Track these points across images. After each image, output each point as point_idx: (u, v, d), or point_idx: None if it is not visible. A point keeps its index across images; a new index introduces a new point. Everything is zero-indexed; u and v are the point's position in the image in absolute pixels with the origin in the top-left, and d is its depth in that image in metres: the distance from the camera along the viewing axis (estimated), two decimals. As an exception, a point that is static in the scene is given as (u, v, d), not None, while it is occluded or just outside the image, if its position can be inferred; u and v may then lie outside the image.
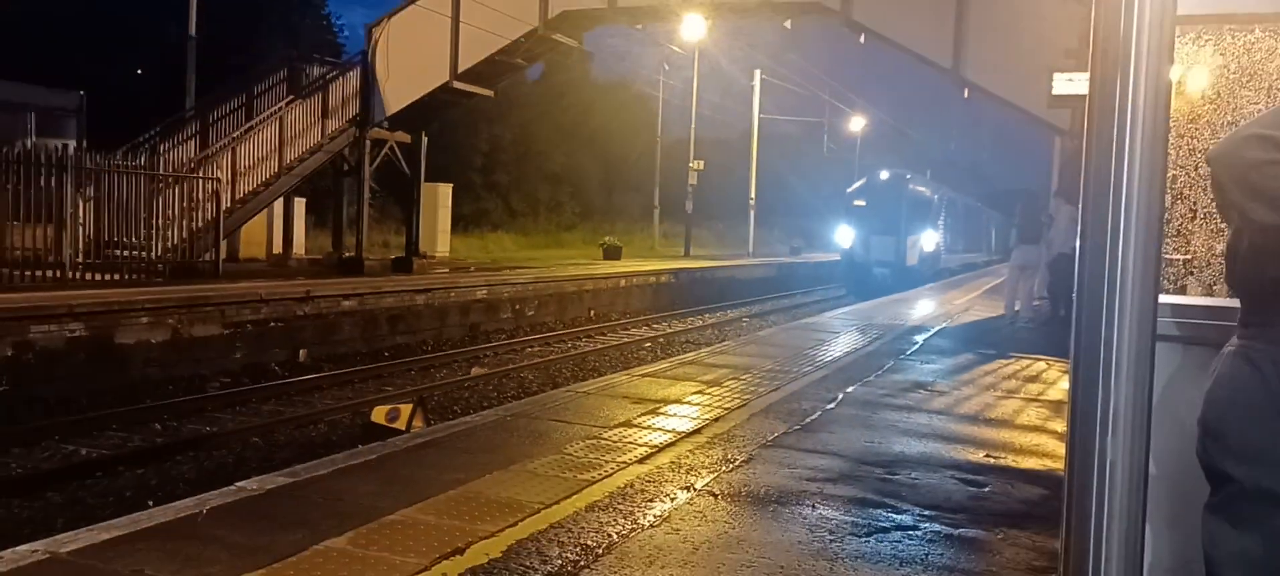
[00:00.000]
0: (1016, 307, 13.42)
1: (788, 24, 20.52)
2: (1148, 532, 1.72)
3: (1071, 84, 11.48)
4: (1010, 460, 5.48)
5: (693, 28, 23.76)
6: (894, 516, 4.31)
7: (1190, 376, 2.20)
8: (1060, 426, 6.41)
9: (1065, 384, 7.57)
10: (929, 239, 29.43)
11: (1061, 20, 13.70)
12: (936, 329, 12.70)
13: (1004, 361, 9.71)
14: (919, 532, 4.11)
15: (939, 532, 4.13)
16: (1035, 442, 5.97)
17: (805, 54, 43.97)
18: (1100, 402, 1.50)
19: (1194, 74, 2.95)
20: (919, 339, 11.41)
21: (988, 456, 5.54)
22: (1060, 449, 5.68)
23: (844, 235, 29.98)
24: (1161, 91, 1.51)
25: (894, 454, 5.52)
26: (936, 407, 7.05)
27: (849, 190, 31.93)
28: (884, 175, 30.86)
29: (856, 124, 49.67)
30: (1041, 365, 9.51)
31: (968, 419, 6.68)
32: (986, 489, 4.85)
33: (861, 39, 16.76)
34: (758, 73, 41.52)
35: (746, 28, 33.56)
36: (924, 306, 16.43)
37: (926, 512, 4.38)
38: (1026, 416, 6.83)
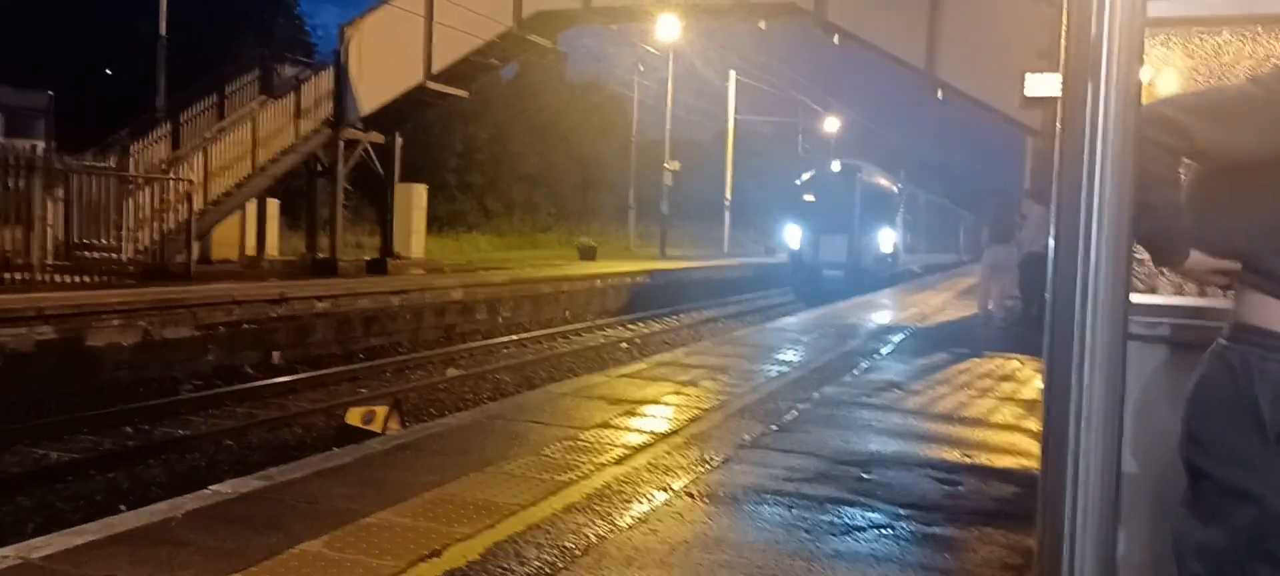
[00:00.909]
0: (990, 307, 13.52)
1: (762, 25, 20.61)
2: (1122, 529, 1.74)
3: (1043, 84, 11.57)
4: (985, 459, 5.53)
5: (667, 28, 23.81)
6: (870, 515, 4.34)
7: (1162, 375, 2.23)
8: (1034, 425, 6.47)
9: (1039, 382, 7.67)
10: (886, 238, 26.57)
11: (1034, 21, 13.81)
12: (911, 329, 12.79)
13: (978, 360, 9.79)
14: (895, 531, 4.14)
15: (915, 531, 4.16)
16: (1010, 441, 6.02)
17: (780, 55, 44.11)
18: (1074, 400, 1.52)
19: (1164, 77, 2.99)
20: (894, 339, 11.48)
21: (963, 455, 5.58)
22: (1035, 447, 5.74)
23: (791, 234, 27.42)
24: (1132, 93, 1.54)
25: (870, 453, 5.55)
26: (911, 407, 7.10)
27: (797, 183, 28.73)
28: (835, 166, 27.86)
29: (831, 125, 49.92)
30: (1015, 364, 9.59)
31: (942, 418, 6.73)
32: (962, 487, 4.89)
33: (835, 40, 16.85)
34: (732, 74, 41.65)
35: (721, 28, 33.50)
36: (896, 308, 16.53)
37: (902, 511, 4.41)
38: (1001, 415, 6.89)
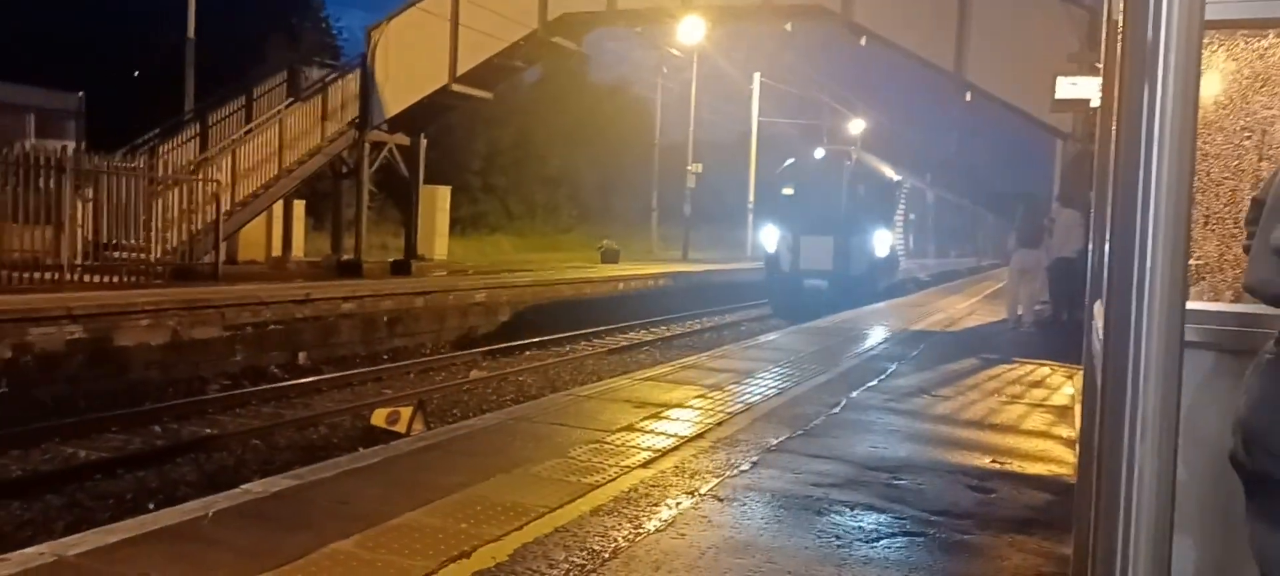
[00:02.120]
0: (1019, 312, 13.42)
1: (788, 27, 20.56)
2: (1177, 541, 1.70)
3: (1075, 88, 11.47)
4: (1017, 465, 5.47)
5: (691, 30, 23.77)
6: (901, 522, 4.29)
7: (1211, 381, 2.19)
8: (1066, 432, 6.41)
9: (1070, 389, 7.58)
10: (881, 241, 21.99)
11: (1064, 24, 13.72)
12: (938, 335, 12.70)
13: (1007, 366, 9.70)
14: (926, 538, 4.09)
15: (946, 538, 4.11)
16: (1042, 448, 5.96)
17: (805, 56, 43.98)
18: (1129, 409, 1.49)
19: (1207, 79, 2.95)
20: (921, 345, 11.40)
21: (994, 462, 5.53)
22: (1067, 455, 5.68)
23: (767, 236, 23.01)
24: (1190, 98, 1.51)
25: (899, 459, 5.50)
26: (941, 413, 7.04)
27: (776, 173, 24.69)
28: (820, 153, 24.24)
29: (856, 126, 49.73)
30: (1045, 370, 9.50)
31: (973, 424, 6.67)
32: (993, 494, 4.84)
33: (862, 42, 16.78)
34: (757, 76, 41.56)
35: (745, 30, 33.46)
36: (921, 314, 16.43)
37: (933, 518, 4.37)
38: (1032, 421, 6.82)
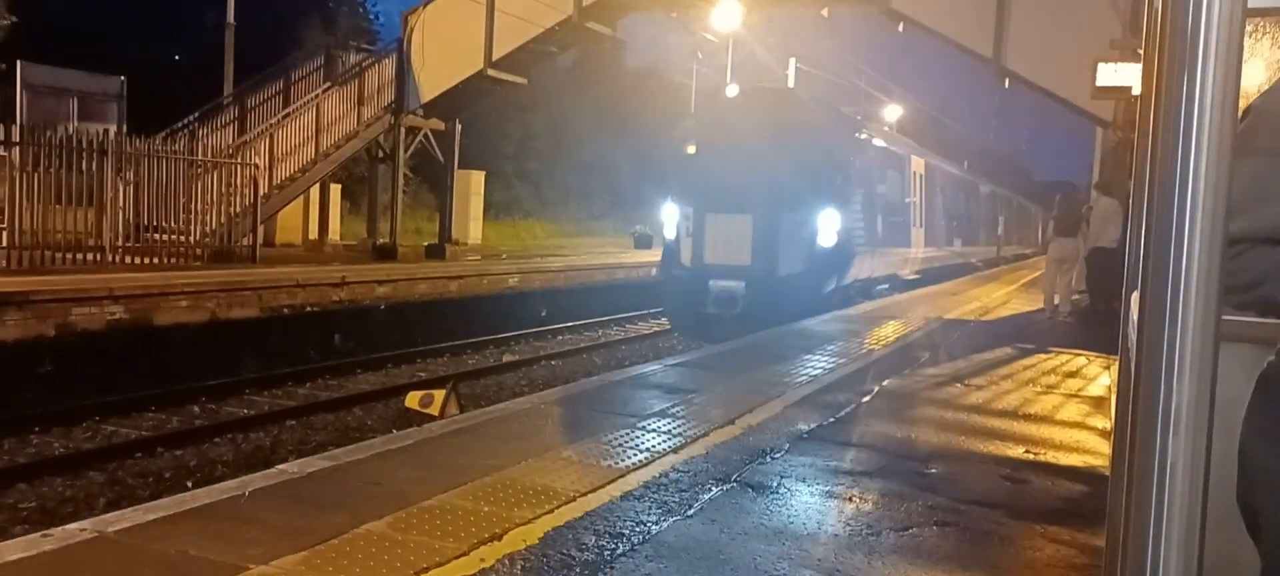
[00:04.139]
0: (1056, 301, 13.28)
1: (825, 12, 20.39)
2: (1209, 537, 1.68)
3: (1117, 74, 11.28)
4: (1051, 456, 5.42)
5: (727, 15, 23.64)
6: (932, 511, 4.27)
7: (1247, 376, 2.16)
8: (1102, 422, 6.34)
9: (1106, 379, 7.49)
10: (826, 225, 14.60)
11: (1105, 10, 13.49)
12: (973, 324, 12.59)
13: (1043, 356, 9.60)
14: (958, 528, 4.07)
15: (978, 528, 4.09)
16: (1076, 438, 5.90)
17: (841, 41, 43.57)
18: (1162, 403, 1.48)
19: (1250, 68, 2.89)
20: (956, 333, 11.31)
21: (1027, 452, 5.48)
22: (1102, 445, 5.62)
23: (668, 217, 15.83)
24: (1232, 88, 1.48)
25: (932, 448, 5.47)
26: (974, 402, 6.99)
27: (679, 127, 17.75)
28: (733, 91, 18.48)
29: (893, 112, 49.32)
30: (1082, 360, 9.39)
31: (1006, 414, 6.61)
32: (1026, 484, 4.80)
33: (900, 27, 16.61)
34: (793, 61, 41.27)
35: (781, 15, 33.19)
36: (957, 301, 16.29)
37: (965, 508, 4.34)
38: (1067, 412, 6.75)
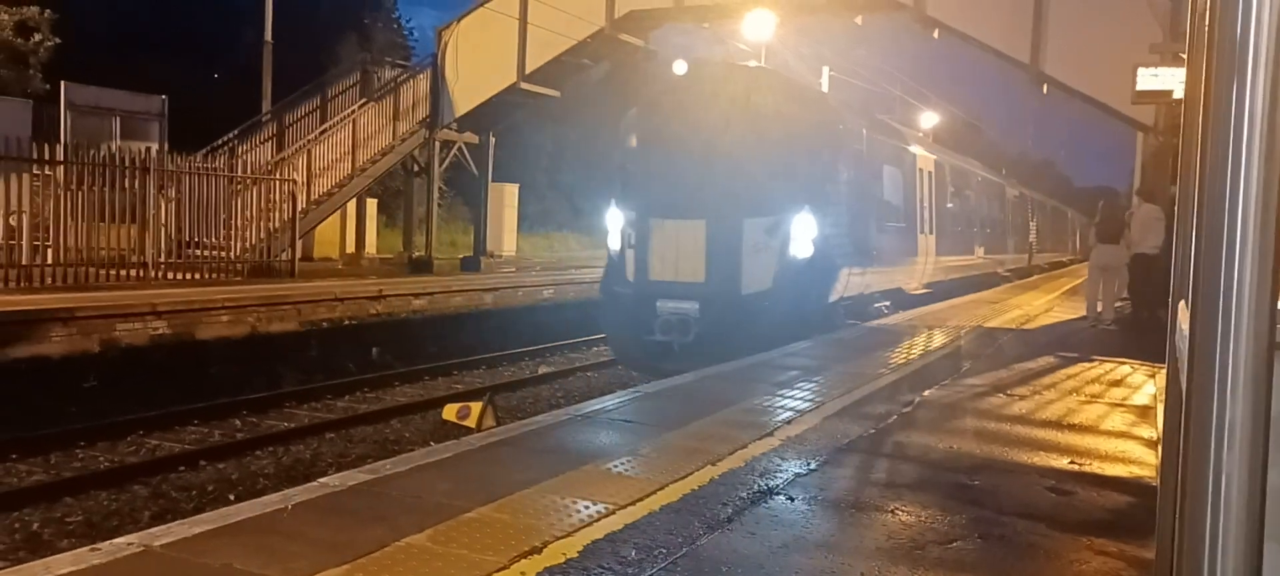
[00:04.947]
0: (1099, 309, 13.10)
1: (858, 20, 20.30)
2: (1267, 550, 1.65)
3: (1157, 79, 11.13)
4: (1096, 466, 5.34)
5: (759, 25, 23.60)
6: (976, 523, 4.22)
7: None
8: (1148, 432, 6.23)
9: (1152, 388, 7.36)
10: (801, 232, 11.82)
11: (1145, 14, 13.33)
12: (1015, 332, 12.44)
13: (1086, 365, 9.46)
14: (1003, 540, 4.02)
15: (1023, 540, 4.03)
16: (1122, 449, 5.80)
17: (875, 49, 43.37)
18: (1216, 415, 1.45)
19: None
20: (998, 342, 11.19)
21: (1072, 463, 5.40)
22: (1148, 456, 5.53)
23: (611, 225, 13.04)
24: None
25: (975, 459, 5.41)
26: (1017, 412, 6.90)
27: (624, 118, 13.88)
28: (681, 67, 15.74)
29: (929, 120, 48.98)
30: (1126, 369, 9.25)
31: (1050, 424, 6.52)
32: (1072, 496, 4.73)
33: (935, 34, 16.50)
34: (825, 70, 41.13)
35: (814, 24, 33.01)
36: (998, 309, 16.12)
37: (1010, 520, 4.28)
38: (1112, 422, 6.64)
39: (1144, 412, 6.96)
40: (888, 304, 14.87)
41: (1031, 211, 29.93)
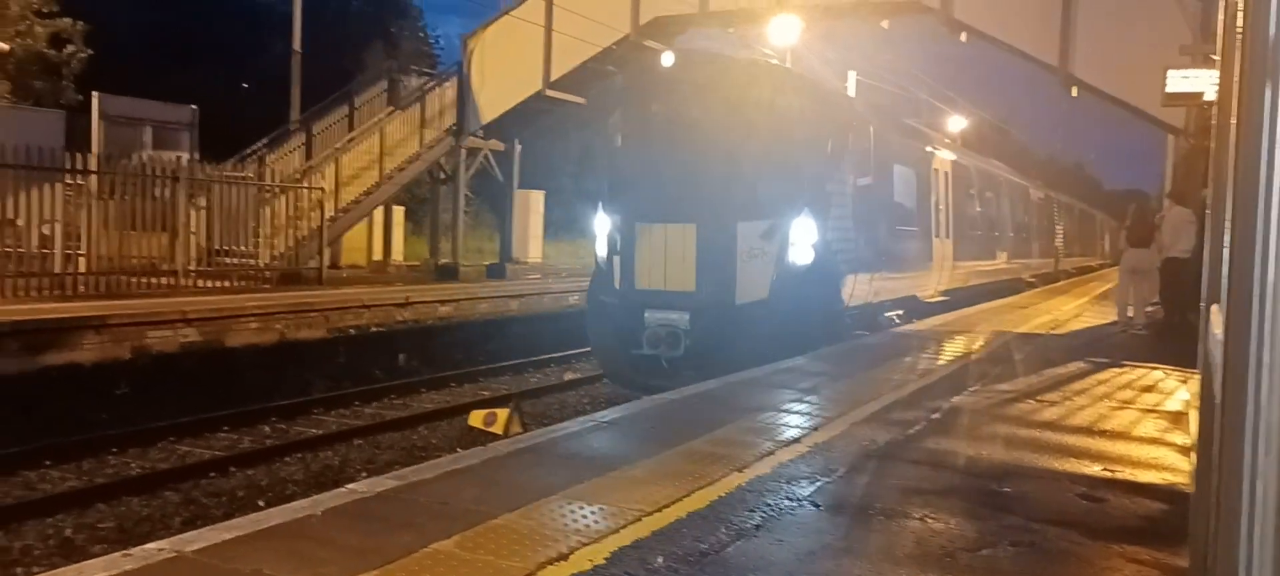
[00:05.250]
0: (1129, 313, 12.96)
1: (884, 24, 20.23)
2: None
3: (1188, 81, 11.00)
4: (1128, 473, 5.28)
5: (785, 30, 23.54)
6: (1007, 531, 4.18)
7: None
8: (1180, 438, 6.16)
9: (1184, 393, 7.27)
10: (801, 236, 11.00)
11: (1175, 15, 13.20)
12: (1044, 338, 12.33)
13: (1117, 370, 9.36)
14: (1034, 547, 3.98)
15: (1055, 548, 3.99)
16: (1155, 455, 5.73)
17: (901, 53, 43.11)
18: (1250, 420, 1.43)
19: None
20: (1027, 346, 11.09)
21: (1105, 469, 5.34)
22: (1182, 462, 5.46)
23: (599, 230, 12.09)
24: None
25: (1004, 466, 5.36)
26: (1047, 419, 6.83)
27: (612, 117, 13.88)
28: (669, 60, 14.38)
29: (956, 123, 48.67)
30: (1158, 374, 9.14)
31: (1081, 430, 6.45)
32: (1104, 503, 4.68)
33: (962, 37, 16.41)
34: (852, 74, 40.97)
35: (840, 29, 32.85)
36: (1021, 317, 15.98)
37: (1041, 527, 4.24)
38: (1144, 428, 6.57)
39: (1177, 418, 6.88)
40: (900, 313, 14.16)
41: (1057, 214, 28.97)
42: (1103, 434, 6.34)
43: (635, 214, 11.52)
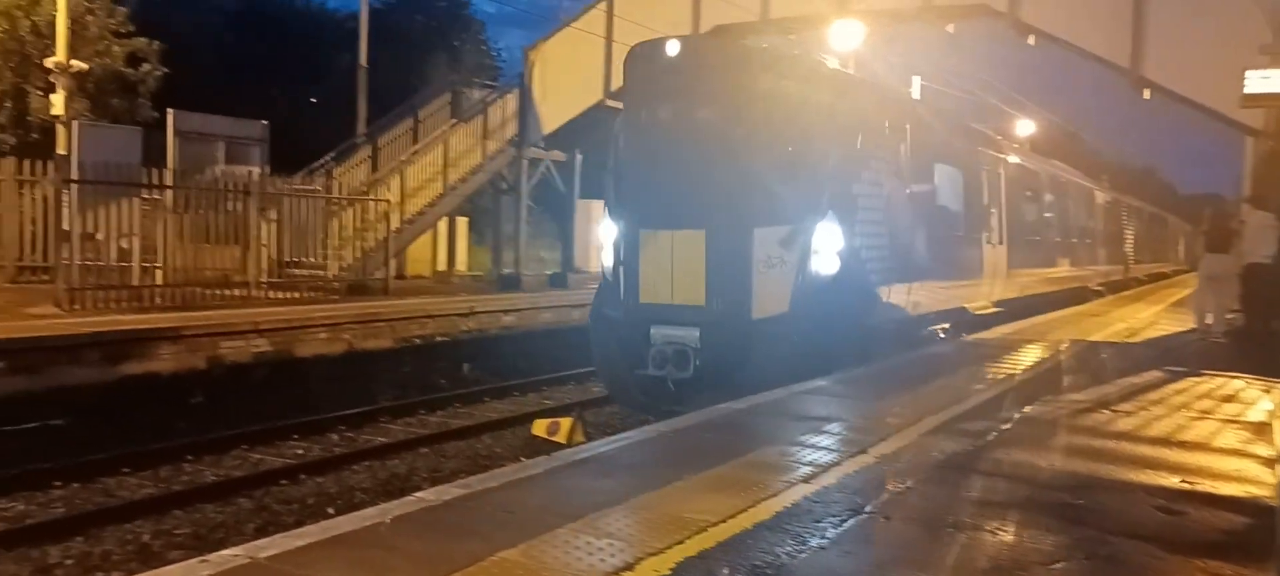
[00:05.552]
0: (1208, 321, 12.58)
1: (950, 28, 19.95)
2: None
3: (1267, 81, 10.66)
4: (1208, 485, 5.11)
5: (847, 36, 23.33)
6: (1082, 543, 4.07)
7: None
8: (1264, 450, 5.95)
9: (1268, 404, 7.04)
10: (825, 243, 9.74)
11: (1253, 13, 12.79)
12: (1119, 346, 12.02)
13: (1196, 380, 9.08)
14: (1111, 560, 3.86)
15: (1132, 561, 3.87)
16: (1236, 467, 5.54)
17: (968, 57, 42.50)
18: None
19: None
20: (1100, 355, 10.82)
21: (1183, 481, 5.17)
22: (1265, 475, 5.27)
23: (605, 238, 11.00)
24: None
25: (1079, 477, 5.22)
26: (1123, 429, 6.65)
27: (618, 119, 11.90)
28: (673, 48, 10.56)
29: (1025, 127, 47.77)
30: (1238, 383, 8.84)
31: (1158, 442, 6.26)
32: (1183, 516, 4.53)
33: (1030, 40, 16.11)
34: (916, 79, 40.46)
35: (904, 33, 32.41)
36: (1095, 325, 15.58)
37: (1117, 540, 4.12)
38: (1224, 439, 6.35)
39: (1260, 429, 6.64)
40: (947, 326, 12.88)
41: (1127, 218, 27.35)
42: (1181, 445, 6.15)
43: (639, 219, 10.33)
